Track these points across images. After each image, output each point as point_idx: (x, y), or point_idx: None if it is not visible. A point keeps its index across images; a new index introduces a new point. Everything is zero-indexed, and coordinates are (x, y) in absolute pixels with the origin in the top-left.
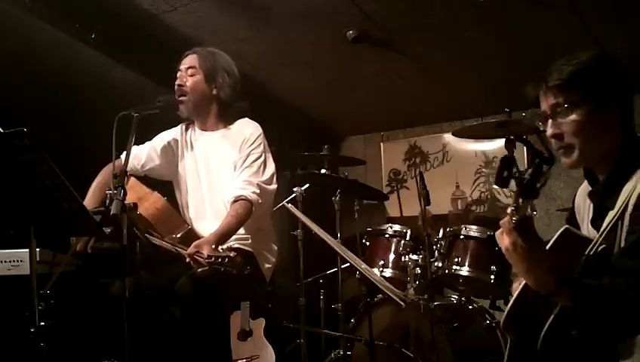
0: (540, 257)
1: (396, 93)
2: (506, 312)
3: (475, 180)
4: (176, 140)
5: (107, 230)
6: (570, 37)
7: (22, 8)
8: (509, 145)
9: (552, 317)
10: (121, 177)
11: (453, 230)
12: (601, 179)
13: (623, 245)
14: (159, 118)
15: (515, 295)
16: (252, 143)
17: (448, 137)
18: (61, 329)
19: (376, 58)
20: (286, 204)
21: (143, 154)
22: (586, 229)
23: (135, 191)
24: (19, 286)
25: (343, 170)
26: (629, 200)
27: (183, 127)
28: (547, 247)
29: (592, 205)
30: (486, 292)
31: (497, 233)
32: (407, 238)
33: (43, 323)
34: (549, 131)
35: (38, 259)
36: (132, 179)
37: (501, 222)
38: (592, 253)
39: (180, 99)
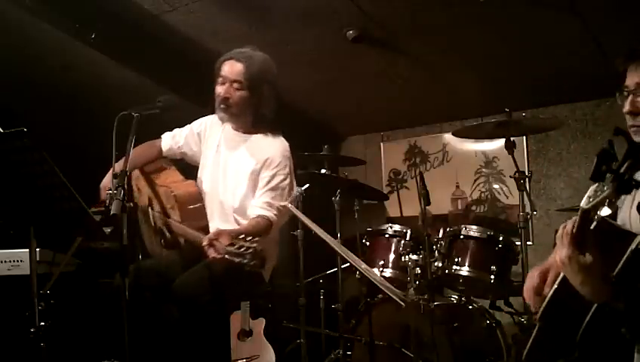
0: (594, 269)
1: (396, 93)
2: (545, 302)
3: (475, 180)
4: (211, 133)
5: (107, 230)
6: (570, 37)
7: (22, 8)
8: (509, 145)
9: (593, 309)
10: (121, 177)
11: (453, 230)
12: None
13: None
14: (159, 118)
15: (554, 287)
16: (278, 164)
17: (448, 137)
18: (61, 329)
19: (376, 58)
20: (287, 204)
21: (181, 138)
22: (628, 212)
23: (170, 175)
24: (19, 286)
25: (343, 170)
26: None
27: (217, 121)
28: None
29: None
30: (486, 292)
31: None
32: (407, 238)
33: (43, 323)
34: (627, 107)
35: (38, 259)
36: (172, 167)
37: (559, 234)
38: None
39: (223, 108)
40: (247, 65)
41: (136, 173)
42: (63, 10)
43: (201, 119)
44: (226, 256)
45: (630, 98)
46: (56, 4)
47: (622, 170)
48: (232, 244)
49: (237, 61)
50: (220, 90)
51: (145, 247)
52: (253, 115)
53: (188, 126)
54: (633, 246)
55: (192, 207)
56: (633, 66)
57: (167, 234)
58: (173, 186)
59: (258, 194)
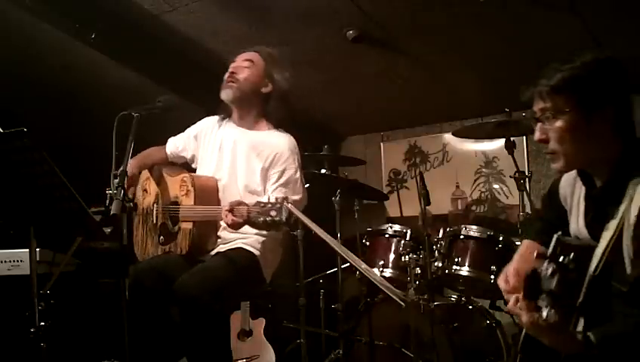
0: (558, 327)
1: (396, 93)
2: (522, 336)
3: (475, 180)
4: (208, 132)
5: (107, 230)
6: (570, 37)
7: (22, 8)
8: (509, 145)
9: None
10: (121, 177)
11: (453, 230)
12: (598, 183)
13: (629, 268)
14: (159, 118)
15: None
16: (287, 158)
17: (448, 137)
18: (61, 329)
19: (376, 58)
20: (287, 204)
21: (181, 143)
22: (576, 223)
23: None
24: (19, 286)
25: (343, 170)
26: (629, 213)
27: (219, 120)
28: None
29: (584, 202)
30: (486, 292)
31: (511, 306)
32: (407, 238)
33: (43, 323)
34: (536, 135)
35: (38, 259)
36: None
37: (519, 303)
38: (597, 272)
39: (229, 84)
40: (262, 51)
41: (145, 174)
42: (63, 10)
43: (198, 122)
44: (250, 215)
45: (538, 125)
46: (56, 4)
47: (554, 289)
48: (257, 204)
49: (252, 51)
50: (229, 70)
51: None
52: (262, 105)
53: (187, 130)
54: (592, 268)
55: (208, 194)
56: (535, 93)
57: (170, 225)
58: (194, 175)
59: (270, 190)
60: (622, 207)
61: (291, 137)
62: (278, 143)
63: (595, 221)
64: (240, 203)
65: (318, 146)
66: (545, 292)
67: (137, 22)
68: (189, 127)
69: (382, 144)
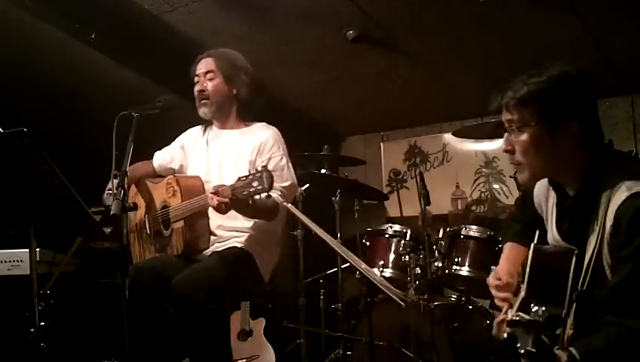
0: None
1: (396, 93)
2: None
3: (475, 180)
4: (194, 141)
5: (107, 230)
6: (570, 37)
7: (22, 8)
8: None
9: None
10: (121, 177)
11: (453, 230)
12: (570, 193)
13: (610, 276)
14: (159, 118)
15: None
16: (271, 147)
17: (448, 137)
18: (61, 329)
19: (376, 58)
20: (286, 203)
21: (168, 155)
22: (550, 229)
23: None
24: (19, 286)
25: (343, 170)
26: (605, 224)
27: (202, 128)
28: (526, 274)
29: (555, 210)
30: (486, 292)
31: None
32: (407, 238)
33: (43, 323)
34: (503, 146)
35: (38, 259)
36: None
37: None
38: (584, 286)
39: (203, 102)
40: (216, 56)
41: (133, 189)
42: (63, 10)
43: (183, 134)
44: (234, 192)
45: (505, 136)
46: (56, 4)
47: (531, 348)
48: (238, 180)
49: (207, 57)
50: (195, 87)
51: None
52: (235, 107)
53: (174, 142)
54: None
55: (194, 192)
56: (503, 105)
57: (163, 230)
58: (178, 176)
59: None
60: (597, 220)
61: (274, 128)
62: (261, 134)
63: (572, 231)
64: (222, 185)
65: (318, 146)
66: (524, 355)
67: (137, 22)
68: (188, 127)
69: (382, 144)
